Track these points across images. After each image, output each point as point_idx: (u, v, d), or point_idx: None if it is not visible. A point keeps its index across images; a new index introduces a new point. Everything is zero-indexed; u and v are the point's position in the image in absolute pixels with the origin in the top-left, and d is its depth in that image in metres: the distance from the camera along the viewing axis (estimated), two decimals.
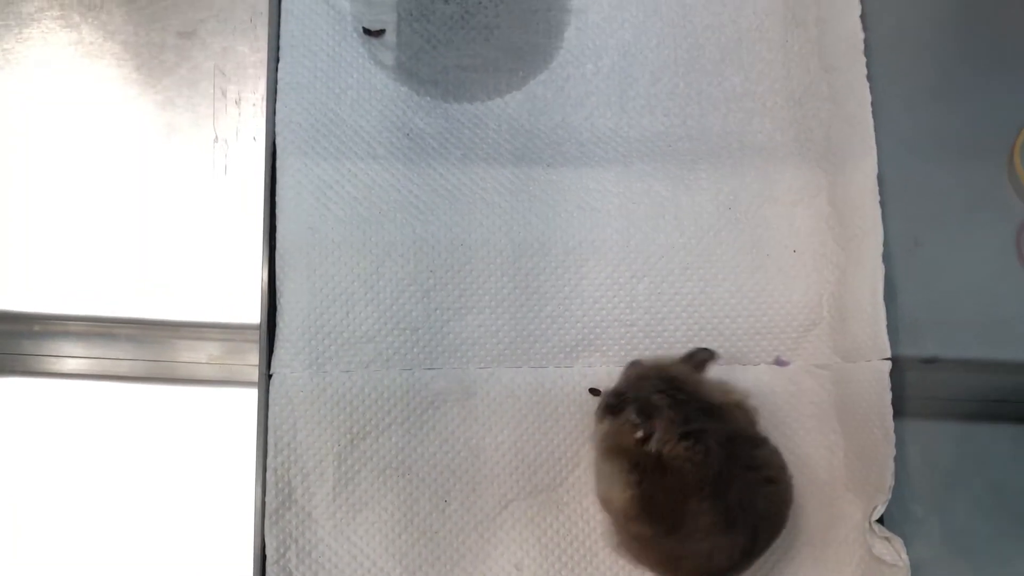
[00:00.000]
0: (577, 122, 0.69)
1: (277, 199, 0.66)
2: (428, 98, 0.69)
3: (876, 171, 0.65)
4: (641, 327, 0.66)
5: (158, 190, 0.68)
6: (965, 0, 0.70)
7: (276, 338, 0.65)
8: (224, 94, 0.69)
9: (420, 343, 0.65)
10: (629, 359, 0.65)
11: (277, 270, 0.65)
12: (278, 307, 0.65)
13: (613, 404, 0.58)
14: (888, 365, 0.62)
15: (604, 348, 0.66)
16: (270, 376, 0.64)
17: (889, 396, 0.61)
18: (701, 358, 0.60)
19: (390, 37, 0.70)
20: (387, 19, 0.70)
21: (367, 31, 0.70)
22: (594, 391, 0.66)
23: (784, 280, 0.67)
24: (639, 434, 0.56)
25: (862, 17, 0.67)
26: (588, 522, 0.63)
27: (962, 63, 0.69)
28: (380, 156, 0.68)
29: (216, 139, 0.68)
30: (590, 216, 0.67)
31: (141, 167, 0.68)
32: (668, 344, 0.66)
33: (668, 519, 0.56)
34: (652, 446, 0.56)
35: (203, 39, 0.70)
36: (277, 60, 0.69)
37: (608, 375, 0.65)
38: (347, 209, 0.66)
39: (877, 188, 0.65)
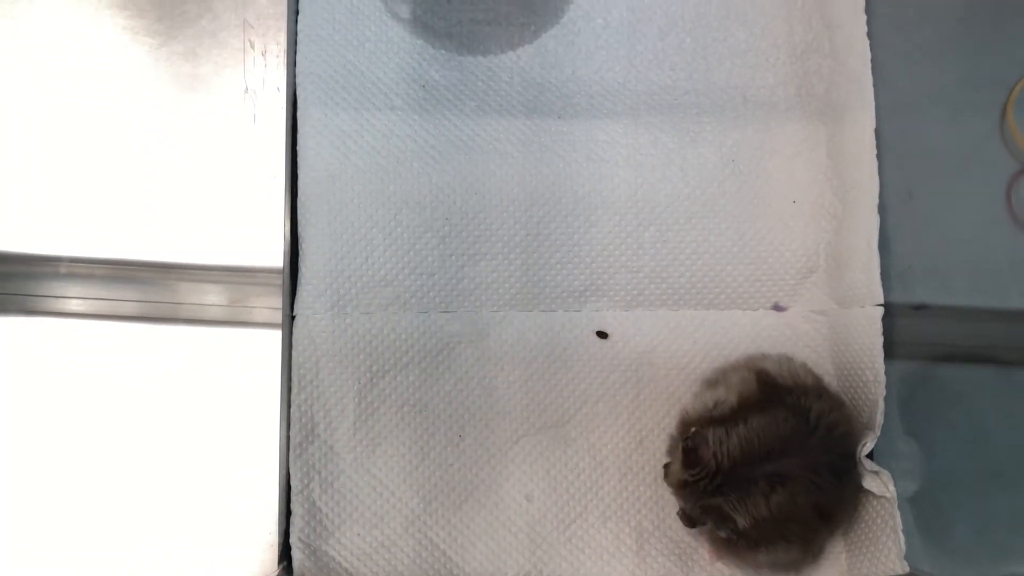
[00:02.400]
0: (587, 75, 0.72)
1: (299, 148, 0.69)
2: (443, 51, 0.72)
3: (874, 125, 0.68)
4: (647, 273, 0.70)
5: (185, 138, 0.70)
6: None
7: (298, 281, 0.68)
8: (252, 45, 0.71)
9: (436, 287, 0.69)
10: (635, 304, 0.68)
11: (299, 216, 0.68)
12: (300, 252, 0.68)
13: (689, 518, 0.61)
14: (881, 311, 0.66)
15: (611, 293, 0.69)
16: (293, 317, 0.68)
17: (881, 340, 0.65)
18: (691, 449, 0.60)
19: None
20: None
21: None
22: (601, 334, 0.69)
23: (783, 229, 0.70)
24: (725, 533, 0.60)
25: None
26: (594, 456, 0.67)
27: (960, 22, 0.72)
28: (397, 107, 0.70)
29: (246, 89, 0.70)
30: (599, 167, 0.70)
31: (167, 116, 0.70)
32: (672, 290, 0.69)
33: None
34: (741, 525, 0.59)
35: None
36: (296, 12, 0.71)
37: (615, 319, 0.69)
38: (366, 158, 0.69)
39: (874, 141, 0.68)
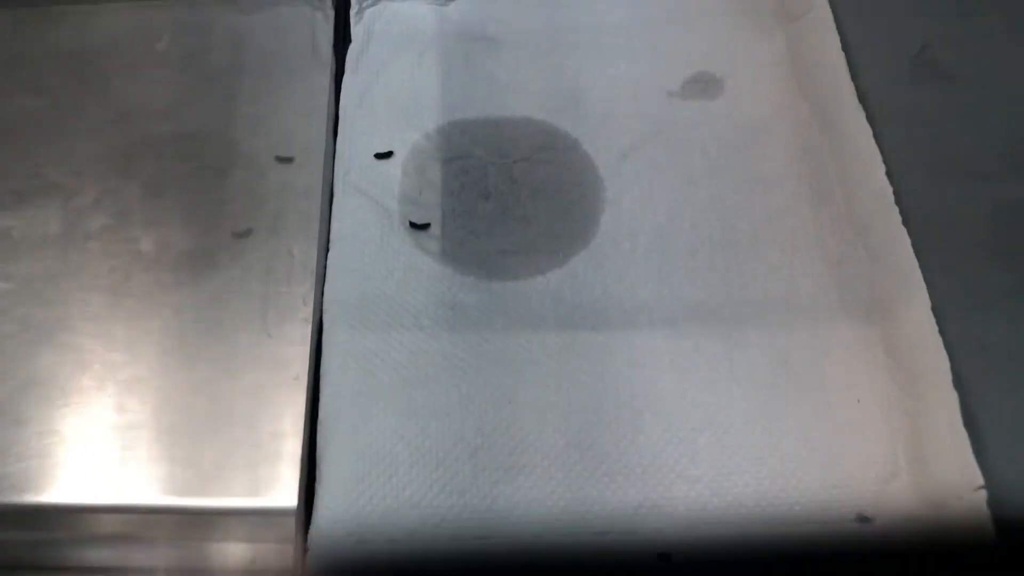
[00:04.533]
0: (619, 292, 0.70)
1: (322, 370, 0.66)
2: (472, 277, 0.71)
3: (930, 314, 0.64)
4: (707, 483, 0.62)
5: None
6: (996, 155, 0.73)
7: (314, 507, 0.60)
8: (276, 290, 0.71)
9: (468, 508, 0.61)
10: (698, 521, 0.60)
11: (319, 438, 0.63)
12: (317, 476, 0.62)
13: None
14: (984, 495, 0.56)
15: (669, 509, 0.61)
16: (306, 551, 0.59)
17: (992, 530, 0.55)
18: None
19: (435, 230, 0.73)
20: (432, 215, 0.74)
21: (413, 224, 0.74)
22: (663, 556, 0.59)
23: (852, 430, 0.63)
24: None
25: (888, 175, 0.70)
26: None
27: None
28: (425, 326, 0.68)
29: (269, 335, 0.68)
30: (641, 371, 0.65)
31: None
32: (739, 502, 0.61)
33: None
34: None
35: (255, 242, 0.73)
36: (327, 250, 0.72)
37: (676, 538, 0.59)
38: (392, 374, 0.65)
39: (935, 325, 0.63)
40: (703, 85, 0.82)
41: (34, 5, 0.89)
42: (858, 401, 0.64)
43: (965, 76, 0.76)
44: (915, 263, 0.66)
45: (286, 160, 0.78)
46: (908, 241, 0.67)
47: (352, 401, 0.64)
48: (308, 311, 0.69)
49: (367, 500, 0.61)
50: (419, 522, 0.60)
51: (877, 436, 0.63)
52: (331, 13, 0.86)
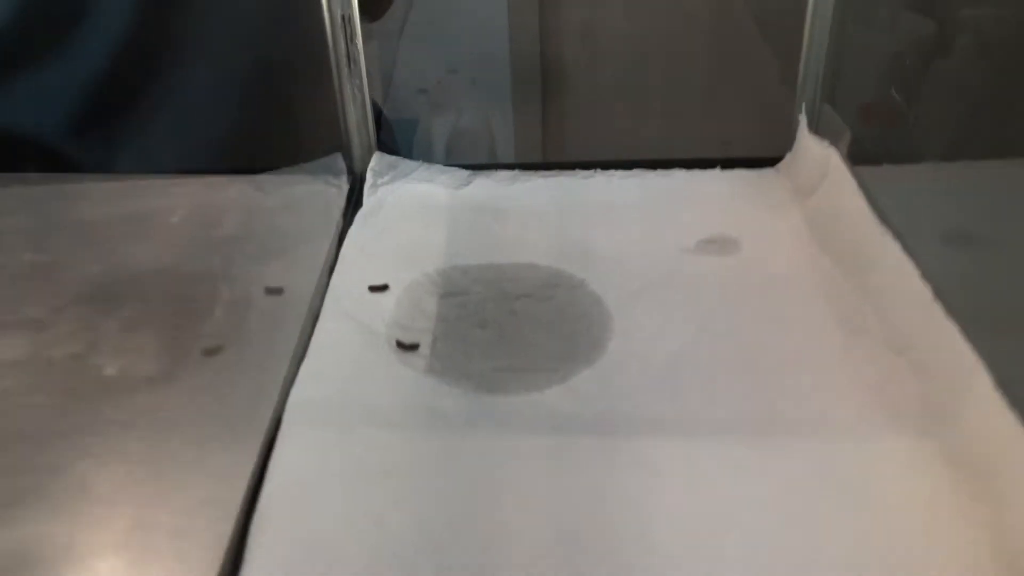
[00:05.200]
0: (626, 408, 0.61)
1: (270, 464, 0.56)
2: (458, 389, 0.62)
3: (995, 393, 0.53)
4: None
5: None
6: None
7: None
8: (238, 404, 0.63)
9: None
10: None
11: (252, 525, 0.51)
12: (243, 563, 0.49)
13: None
14: None
15: None
16: None
17: None
18: None
19: (423, 350, 0.66)
20: (423, 339, 0.68)
21: (400, 344, 0.67)
22: None
23: (922, 553, 0.50)
24: None
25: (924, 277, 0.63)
26: None
27: None
28: (396, 424, 0.58)
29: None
30: (651, 473, 0.54)
31: None
32: None
33: None
34: None
35: (224, 359, 0.67)
36: (302, 358, 0.65)
37: None
38: (350, 465, 0.55)
39: (1004, 406, 0.52)
40: (719, 245, 0.78)
41: (59, 183, 0.92)
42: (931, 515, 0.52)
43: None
44: (968, 348, 0.56)
45: (275, 291, 0.74)
46: (955, 329, 0.58)
47: (298, 490, 0.53)
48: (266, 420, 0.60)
49: None
50: None
51: (950, 546, 0.50)
52: (345, 187, 0.87)
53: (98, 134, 0.92)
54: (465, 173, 0.89)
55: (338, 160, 0.87)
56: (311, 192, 0.87)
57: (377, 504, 0.52)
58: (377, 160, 0.87)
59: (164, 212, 0.89)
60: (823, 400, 0.61)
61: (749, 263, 0.76)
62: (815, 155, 0.83)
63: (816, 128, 0.86)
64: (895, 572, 0.48)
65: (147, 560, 0.51)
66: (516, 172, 0.89)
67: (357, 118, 0.87)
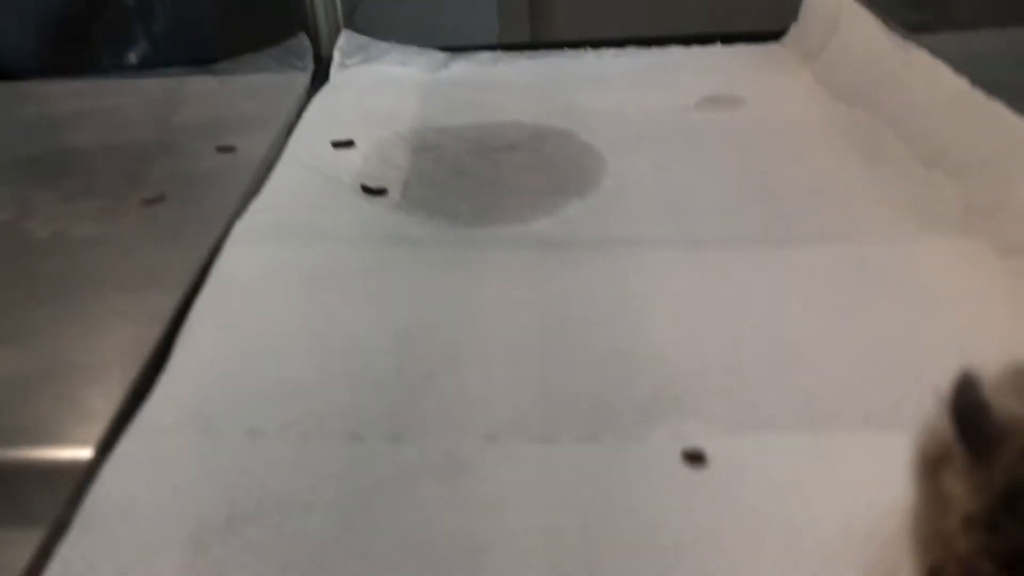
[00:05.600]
0: (625, 232, 0.53)
1: (211, 270, 0.48)
2: (432, 223, 0.55)
3: None
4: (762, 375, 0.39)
5: None
6: None
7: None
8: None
9: (384, 404, 0.39)
10: (744, 425, 0.37)
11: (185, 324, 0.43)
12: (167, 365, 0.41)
13: None
14: None
15: (701, 408, 0.38)
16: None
17: None
18: None
19: (393, 196, 0.59)
20: (393, 186, 0.60)
21: (366, 188, 0.59)
22: (693, 456, 0.36)
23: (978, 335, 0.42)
24: None
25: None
26: None
27: None
28: (356, 240, 0.51)
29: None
30: (653, 278, 0.46)
31: None
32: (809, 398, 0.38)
33: None
34: None
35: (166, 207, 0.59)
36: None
37: (719, 444, 0.36)
38: (296, 271, 0.47)
39: None
40: (722, 103, 0.71)
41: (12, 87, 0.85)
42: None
43: None
44: (1019, 121, 0.49)
45: (227, 150, 0.66)
46: (1000, 105, 0.50)
47: (238, 291, 0.45)
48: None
49: (230, 381, 0.39)
50: (304, 414, 0.38)
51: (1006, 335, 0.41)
52: (311, 67, 0.80)
53: (52, 37, 0.86)
54: (442, 55, 0.82)
55: (303, 40, 0.80)
56: (273, 76, 0.80)
57: (332, 296, 0.44)
58: (346, 39, 0.80)
59: (120, 106, 0.81)
60: (849, 216, 0.53)
61: (756, 114, 0.68)
62: (825, 13, 0.76)
63: None
64: (945, 356, 0.40)
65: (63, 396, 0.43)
66: (498, 53, 0.82)
67: None
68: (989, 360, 0.27)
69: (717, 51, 0.81)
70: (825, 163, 0.60)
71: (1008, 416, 0.26)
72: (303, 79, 0.78)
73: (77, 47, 0.86)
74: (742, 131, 0.65)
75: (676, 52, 0.81)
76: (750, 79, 0.74)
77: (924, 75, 0.58)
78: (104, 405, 0.40)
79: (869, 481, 0.31)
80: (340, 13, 0.81)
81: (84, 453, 0.37)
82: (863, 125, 0.62)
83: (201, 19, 0.84)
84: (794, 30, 0.81)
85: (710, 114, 0.69)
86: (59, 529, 0.33)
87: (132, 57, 0.85)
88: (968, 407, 0.25)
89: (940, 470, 0.26)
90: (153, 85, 0.83)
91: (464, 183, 0.60)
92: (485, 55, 0.82)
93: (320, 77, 0.79)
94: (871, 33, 0.67)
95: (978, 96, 0.52)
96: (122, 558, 0.32)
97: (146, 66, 0.83)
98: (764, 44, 0.81)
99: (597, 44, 0.82)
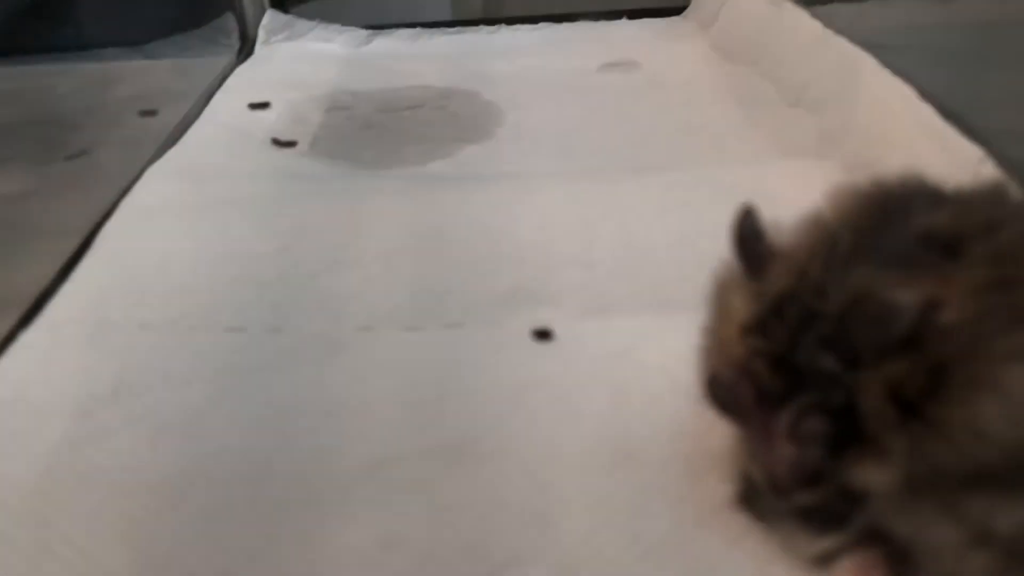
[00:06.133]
0: (513, 170, 0.57)
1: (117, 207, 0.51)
2: (335, 166, 0.58)
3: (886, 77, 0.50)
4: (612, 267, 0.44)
5: None
6: None
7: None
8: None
9: (265, 300, 0.42)
10: (591, 309, 0.41)
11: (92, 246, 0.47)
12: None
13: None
14: None
15: (556, 298, 0.42)
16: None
17: None
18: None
19: (302, 147, 0.62)
20: (302, 139, 0.63)
21: (276, 141, 0.63)
22: (542, 333, 0.40)
23: None
24: None
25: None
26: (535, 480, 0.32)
27: None
28: (259, 176, 0.54)
29: None
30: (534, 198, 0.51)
31: None
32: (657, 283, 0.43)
33: None
34: None
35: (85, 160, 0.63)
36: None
37: (567, 325, 0.40)
38: (198, 197, 0.51)
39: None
40: (621, 67, 0.75)
41: None
42: None
43: None
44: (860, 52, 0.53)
45: (150, 113, 0.70)
46: (846, 41, 0.55)
47: (144, 216, 0.49)
48: None
49: (123, 283, 0.43)
50: (190, 308, 0.42)
51: None
52: (236, 45, 0.84)
53: None
54: (364, 33, 0.86)
55: (229, 20, 0.84)
56: (200, 55, 0.84)
57: (225, 209, 0.48)
58: (270, 18, 0.84)
59: (50, 86, 0.85)
60: (718, 148, 0.58)
61: (651, 75, 0.73)
62: None
63: None
64: None
65: None
66: (418, 30, 0.86)
67: None
68: None
69: (623, 24, 0.86)
70: (706, 110, 0.64)
71: (780, 241, 0.30)
72: (230, 56, 0.82)
73: (9, 31, 0.89)
74: (636, 89, 0.70)
75: (584, 26, 0.86)
76: (649, 47, 0.79)
77: (790, 24, 0.63)
78: (14, 310, 0.43)
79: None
80: None
81: None
82: (743, 78, 0.67)
83: (132, 1, 0.88)
84: (694, 3, 0.86)
85: (608, 76, 0.74)
86: None
87: (64, 40, 0.88)
88: (747, 232, 0.30)
89: (726, 292, 0.30)
90: (84, 67, 0.86)
91: (370, 135, 0.64)
92: (406, 31, 0.86)
93: (245, 55, 0.82)
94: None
95: (831, 37, 0.57)
96: (15, 422, 0.35)
97: (78, 48, 0.86)
98: (667, 18, 0.87)
99: (512, 21, 0.87)
